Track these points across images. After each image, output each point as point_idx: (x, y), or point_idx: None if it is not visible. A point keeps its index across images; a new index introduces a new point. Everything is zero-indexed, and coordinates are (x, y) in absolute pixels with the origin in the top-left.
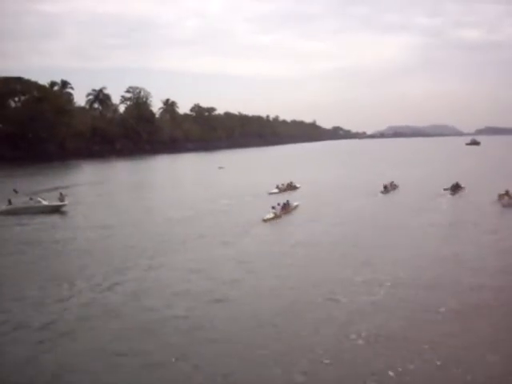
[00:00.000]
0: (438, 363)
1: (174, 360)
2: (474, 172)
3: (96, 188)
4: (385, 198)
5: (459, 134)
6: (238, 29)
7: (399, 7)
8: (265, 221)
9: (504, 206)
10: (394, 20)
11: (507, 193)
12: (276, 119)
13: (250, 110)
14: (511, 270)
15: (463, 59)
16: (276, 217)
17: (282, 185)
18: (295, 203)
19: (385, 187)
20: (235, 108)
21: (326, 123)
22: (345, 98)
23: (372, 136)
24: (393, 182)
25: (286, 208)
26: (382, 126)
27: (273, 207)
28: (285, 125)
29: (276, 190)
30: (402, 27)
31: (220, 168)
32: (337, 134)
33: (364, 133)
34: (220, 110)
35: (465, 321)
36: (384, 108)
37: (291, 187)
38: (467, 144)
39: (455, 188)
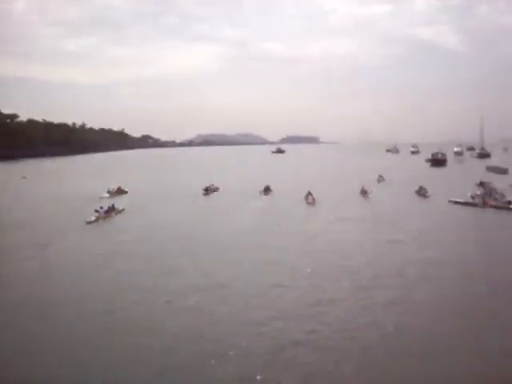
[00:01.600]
0: None
1: None
2: (282, 176)
3: None
4: (206, 198)
5: (265, 142)
6: (43, 32)
7: (208, 18)
8: (88, 223)
9: (309, 203)
10: (204, 30)
11: (310, 193)
12: (82, 127)
13: (58, 117)
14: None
15: (267, 71)
16: (99, 219)
17: (112, 189)
18: (121, 207)
19: (206, 189)
20: (42, 115)
21: (135, 131)
22: (154, 106)
23: (181, 144)
24: (213, 184)
25: (110, 211)
26: (190, 135)
27: (96, 210)
28: (92, 133)
29: (107, 195)
30: (211, 38)
31: (23, 178)
32: (146, 142)
33: (173, 141)
34: (24, 117)
35: None
36: (193, 117)
37: (121, 191)
38: (273, 152)
39: (267, 190)
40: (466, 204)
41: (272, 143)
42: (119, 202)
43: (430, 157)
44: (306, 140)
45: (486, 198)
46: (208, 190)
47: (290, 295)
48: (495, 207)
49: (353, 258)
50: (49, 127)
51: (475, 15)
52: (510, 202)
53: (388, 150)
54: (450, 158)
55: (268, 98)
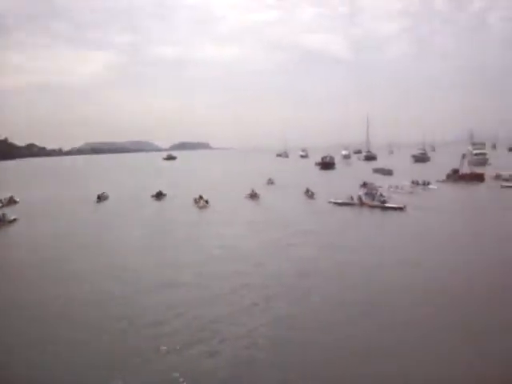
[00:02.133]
0: None
1: None
2: (173, 181)
3: None
4: (98, 205)
5: (157, 149)
6: None
7: (100, 24)
8: None
9: (200, 207)
10: (96, 37)
11: (201, 197)
12: None
13: None
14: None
15: (159, 77)
16: None
17: (5, 199)
18: (12, 217)
19: (98, 197)
20: None
21: (19, 140)
22: (41, 114)
23: (69, 153)
24: (104, 192)
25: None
26: (78, 143)
27: None
28: None
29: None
30: (103, 44)
31: None
32: (31, 151)
33: (60, 150)
34: None
35: None
36: (81, 124)
37: (12, 201)
38: (164, 159)
39: (159, 195)
40: (345, 204)
41: (164, 150)
42: (11, 212)
43: (319, 160)
44: (198, 146)
45: (364, 198)
46: (100, 198)
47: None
48: (371, 206)
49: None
50: None
51: (360, 24)
52: (384, 202)
53: (278, 155)
54: (338, 160)
55: (160, 104)
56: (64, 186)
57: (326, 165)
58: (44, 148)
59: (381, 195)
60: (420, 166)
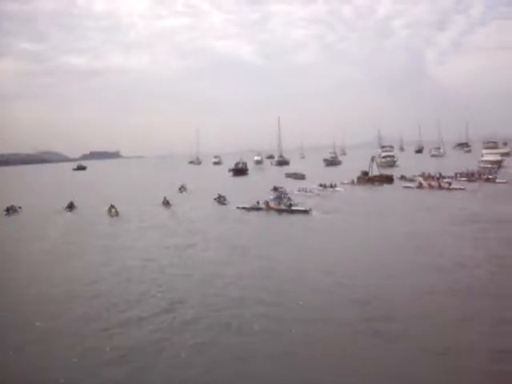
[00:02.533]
0: None
1: None
2: (84, 191)
3: None
4: (9, 218)
5: (66, 159)
6: None
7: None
8: None
9: (111, 216)
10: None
11: (112, 206)
12: None
13: None
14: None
15: (67, 85)
16: None
17: None
18: None
19: (7, 210)
20: None
21: None
22: None
23: None
24: (13, 205)
25: None
26: None
27: None
28: None
29: None
30: (6, 52)
31: None
32: None
33: None
34: None
35: None
36: None
37: None
38: (74, 169)
39: (70, 206)
40: (252, 209)
41: (73, 160)
42: None
43: (232, 166)
44: (108, 155)
45: (271, 202)
46: (9, 210)
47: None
48: (278, 210)
49: (151, 260)
50: None
51: (269, 30)
52: (291, 205)
53: (191, 162)
54: (251, 166)
55: (68, 112)
56: None
57: (239, 171)
58: None
59: (288, 199)
60: (332, 169)
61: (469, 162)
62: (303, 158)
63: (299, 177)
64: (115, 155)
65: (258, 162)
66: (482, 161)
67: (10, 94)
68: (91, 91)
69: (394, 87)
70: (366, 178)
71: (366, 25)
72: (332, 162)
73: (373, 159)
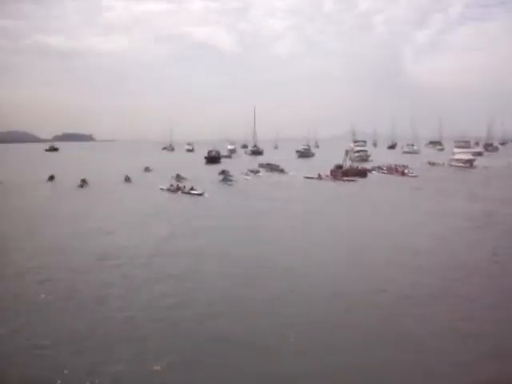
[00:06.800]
0: None
1: None
2: (59, 169)
3: None
4: None
5: (37, 140)
6: None
7: None
8: None
9: (82, 186)
10: None
11: (84, 180)
12: None
13: None
14: None
15: (42, 65)
16: None
17: None
18: None
19: None
20: None
21: None
22: None
23: None
24: None
25: None
26: None
27: None
28: None
29: None
30: None
31: None
32: None
33: None
34: None
35: None
36: None
37: None
38: (46, 150)
39: (51, 178)
40: (168, 190)
41: (45, 141)
42: None
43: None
44: (81, 138)
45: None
46: None
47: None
48: (186, 193)
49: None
50: None
51: (248, 20)
52: (192, 189)
53: (164, 148)
54: (225, 155)
55: (41, 93)
56: None
57: (212, 159)
58: None
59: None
60: (304, 160)
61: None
62: (276, 148)
63: (274, 168)
64: (88, 138)
65: (232, 151)
66: (454, 159)
67: None
68: (66, 72)
69: (370, 82)
70: (340, 172)
71: (346, 19)
72: (304, 154)
73: (347, 153)
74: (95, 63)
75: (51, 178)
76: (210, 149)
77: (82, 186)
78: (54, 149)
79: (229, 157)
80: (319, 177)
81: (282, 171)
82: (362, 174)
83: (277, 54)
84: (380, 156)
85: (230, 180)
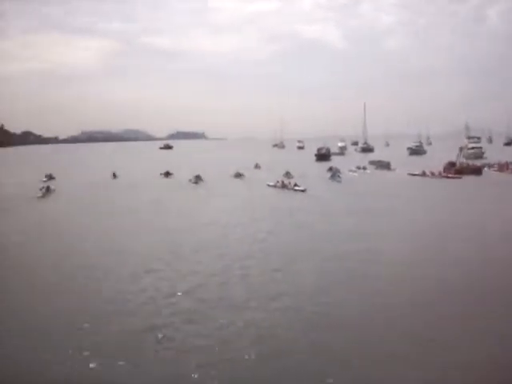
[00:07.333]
0: None
1: None
2: (174, 166)
3: None
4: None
5: (152, 138)
6: None
7: (92, 11)
8: None
9: (196, 183)
10: (87, 23)
11: (198, 176)
12: None
13: None
14: None
15: (154, 66)
16: None
17: None
18: None
19: (114, 175)
20: None
21: (15, 128)
22: (35, 101)
23: (65, 141)
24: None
25: None
26: (75, 131)
27: None
28: None
29: None
30: (95, 31)
31: None
32: (27, 139)
33: (56, 138)
34: None
35: None
36: (77, 112)
37: None
38: (161, 148)
39: (167, 174)
40: (274, 187)
41: (160, 139)
42: None
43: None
44: (194, 136)
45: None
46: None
47: None
48: (290, 189)
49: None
50: None
51: (357, 15)
52: (296, 185)
53: (275, 145)
54: (335, 152)
55: (155, 93)
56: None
57: (322, 156)
58: (40, 136)
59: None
60: (415, 158)
61: None
62: (387, 145)
63: (384, 165)
64: (201, 136)
65: (342, 148)
66: None
67: (98, 72)
68: (178, 73)
69: (483, 75)
70: (453, 169)
71: (458, 11)
72: (416, 151)
73: (461, 150)
74: (207, 63)
75: (167, 174)
76: (320, 146)
77: (196, 183)
78: (168, 147)
79: (341, 154)
80: (423, 174)
81: (389, 168)
82: (477, 171)
83: (387, 48)
84: (494, 153)
85: (339, 177)
